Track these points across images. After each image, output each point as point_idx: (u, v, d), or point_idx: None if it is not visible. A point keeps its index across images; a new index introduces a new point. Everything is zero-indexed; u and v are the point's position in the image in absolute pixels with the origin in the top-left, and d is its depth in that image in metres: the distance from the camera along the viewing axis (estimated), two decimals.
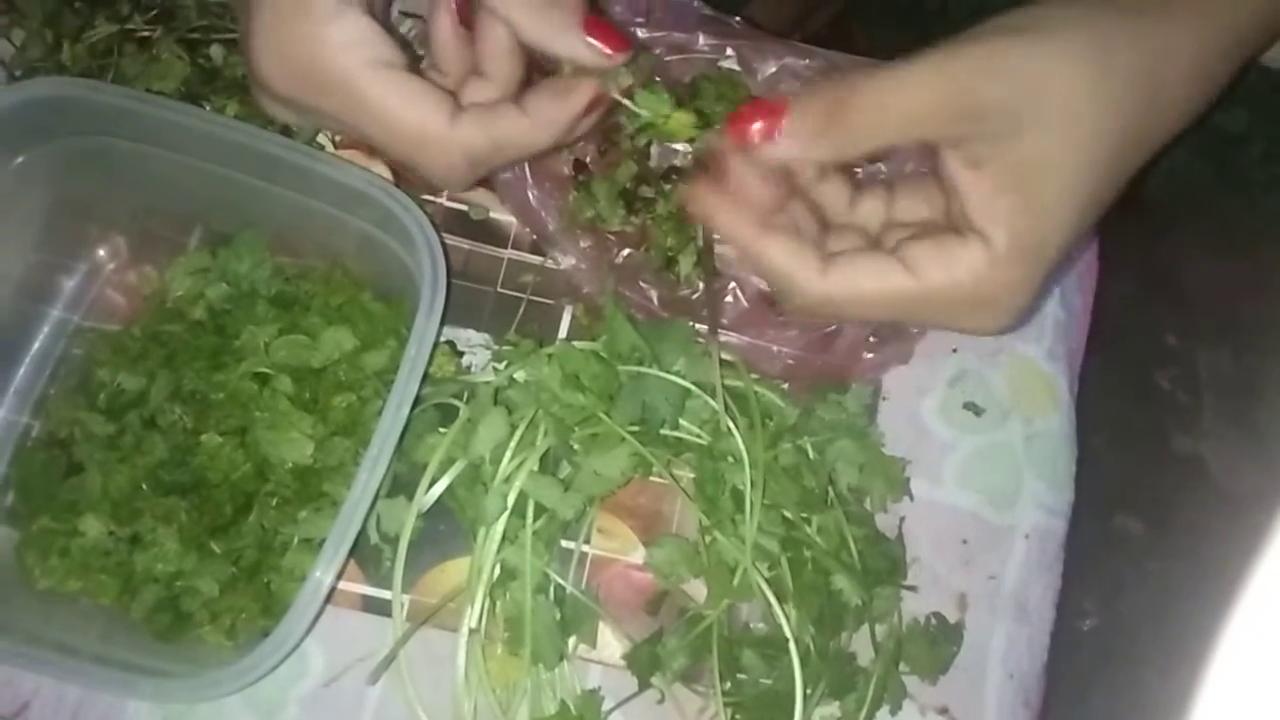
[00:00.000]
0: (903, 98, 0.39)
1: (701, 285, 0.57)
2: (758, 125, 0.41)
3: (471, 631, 0.51)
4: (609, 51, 0.44)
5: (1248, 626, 0.23)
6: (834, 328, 0.55)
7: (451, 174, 0.46)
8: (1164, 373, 1.21)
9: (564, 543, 0.55)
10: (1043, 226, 0.40)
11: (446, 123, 0.43)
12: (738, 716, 0.51)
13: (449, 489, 0.52)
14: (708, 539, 0.53)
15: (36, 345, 0.58)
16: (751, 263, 0.45)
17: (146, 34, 0.57)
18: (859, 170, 0.57)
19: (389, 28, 0.45)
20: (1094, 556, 1.11)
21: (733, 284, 0.57)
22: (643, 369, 0.53)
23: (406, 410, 0.46)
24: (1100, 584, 1.13)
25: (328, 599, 0.46)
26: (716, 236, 0.59)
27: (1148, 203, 0.83)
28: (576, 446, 0.54)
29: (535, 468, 0.52)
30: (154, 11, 0.58)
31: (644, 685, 0.52)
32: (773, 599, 0.51)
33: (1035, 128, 0.38)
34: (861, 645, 0.54)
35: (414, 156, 0.45)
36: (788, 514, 0.53)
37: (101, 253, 0.60)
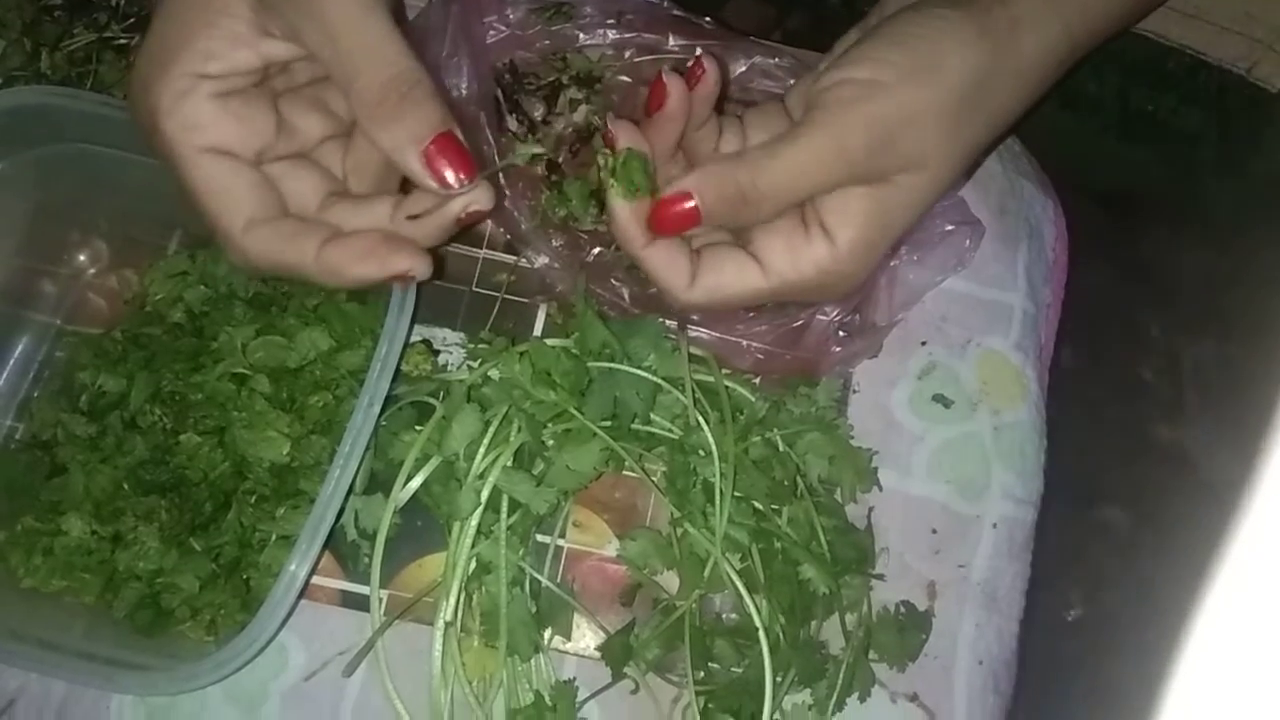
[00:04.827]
0: (802, 176, 0.45)
1: None
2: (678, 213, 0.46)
3: (447, 625, 0.52)
4: (448, 178, 0.42)
5: (1221, 612, 0.24)
6: (801, 321, 0.56)
7: (238, 266, 0.46)
8: (1146, 364, 1.21)
9: (540, 537, 0.56)
10: (884, 233, 0.48)
11: (240, 230, 0.43)
12: (710, 705, 0.52)
13: (425, 485, 0.53)
14: (679, 531, 0.54)
15: (19, 349, 0.59)
16: (639, 267, 0.49)
17: (124, 41, 0.58)
18: None
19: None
20: (1077, 548, 1.11)
21: None
22: (614, 365, 0.54)
23: (378, 407, 0.47)
24: (1084, 575, 1.14)
25: (304, 593, 0.47)
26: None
27: (1121, 199, 0.84)
28: (549, 442, 0.54)
29: (509, 463, 0.53)
30: (131, 19, 0.59)
31: (618, 676, 0.53)
32: (743, 589, 0.52)
33: (887, 156, 0.45)
34: (832, 634, 0.55)
35: (212, 234, 0.45)
36: (758, 506, 0.54)
37: (82, 257, 0.61)
